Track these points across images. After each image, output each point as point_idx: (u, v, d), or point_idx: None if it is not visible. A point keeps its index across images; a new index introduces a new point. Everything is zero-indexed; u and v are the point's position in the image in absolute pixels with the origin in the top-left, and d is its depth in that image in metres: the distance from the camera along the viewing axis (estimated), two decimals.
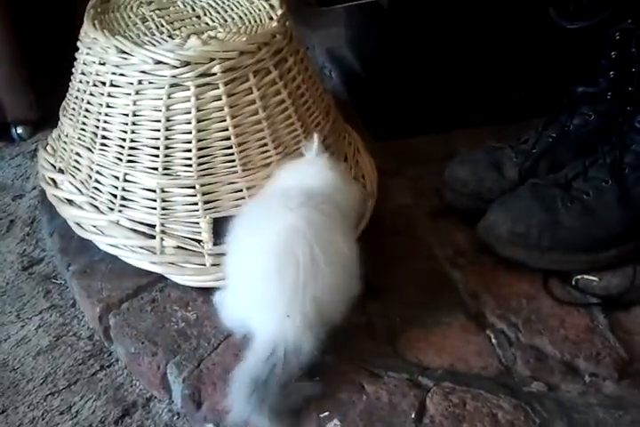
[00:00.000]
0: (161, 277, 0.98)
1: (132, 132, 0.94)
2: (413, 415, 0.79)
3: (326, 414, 0.80)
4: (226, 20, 1.00)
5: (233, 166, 0.93)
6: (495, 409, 0.80)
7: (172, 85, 0.90)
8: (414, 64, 1.18)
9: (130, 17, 1.01)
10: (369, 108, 1.25)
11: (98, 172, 0.98)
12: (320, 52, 1.41)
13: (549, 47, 1.12)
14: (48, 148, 1.11)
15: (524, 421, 0.79)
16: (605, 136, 0.97)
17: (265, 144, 0.94)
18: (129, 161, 0.95)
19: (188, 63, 0.89)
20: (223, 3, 1.04)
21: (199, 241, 0.95)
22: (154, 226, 0.96)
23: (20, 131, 1.37)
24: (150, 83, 0.91)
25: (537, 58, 1.16)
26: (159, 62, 0.90)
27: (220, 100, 0.91)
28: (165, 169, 0.93)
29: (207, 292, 0.96)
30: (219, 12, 1.02)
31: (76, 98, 1.01)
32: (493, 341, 0.89)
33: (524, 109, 1.18)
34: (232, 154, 0.93)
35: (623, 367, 0.85)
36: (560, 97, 1.03)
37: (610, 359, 0.85)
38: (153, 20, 1.00)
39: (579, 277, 0.95)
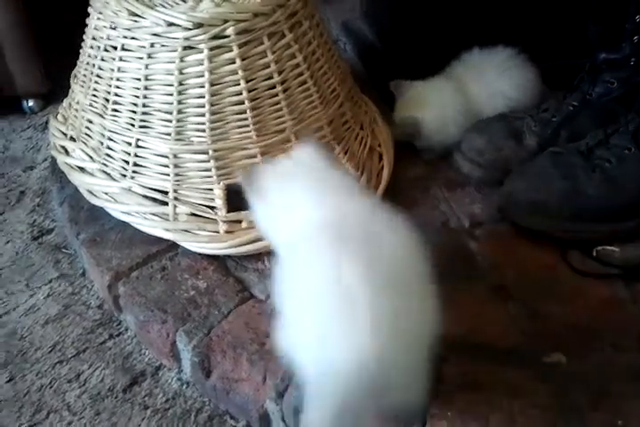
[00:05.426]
0: (171, 246, 0.96)
1: (145, 96, 0.92)
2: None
3: None
4: None
5: (247, 131, 0.91)
6: (512, 380, 0.77)
7: (184, 48, 0.88)
8: (430, 35, 1.15)
9: None
10: (385, 80, 1.23)
11: (110, 138, 0.96)
12: (334, 25, 1.39)
13: (570, 15, 1.09)
14: (59, 116, 1.10)
15: (542, 392, 0.76)
16: (628, 103, 0.95)
17: (279, 109, 0.92)
18: (141, 126, 0.93)
19: (201, 25, 0.87)
20: None
21: (213, 208, 0.93)
22: (167, 192, 0.94)
23: (30, 104, 1.36)
24: (163, 46, 0.89)
25: (558, 27, 1.13)
26: (172, 24, 0.88)
27: (234, 63, 0.89)
28: (178, 134, 0.92)
29: (218, 260, 0.94)
30: None
31: (87, 64, 0.99)
32: (512, 311, 0.86)
33: (544, 80, 1.15)
34: (246, 119, 0.91)
35: None
36: (580, 67, 1.00)
37: (631, 330, 0.83)
38: None
39: (599, 247, 0.92)
